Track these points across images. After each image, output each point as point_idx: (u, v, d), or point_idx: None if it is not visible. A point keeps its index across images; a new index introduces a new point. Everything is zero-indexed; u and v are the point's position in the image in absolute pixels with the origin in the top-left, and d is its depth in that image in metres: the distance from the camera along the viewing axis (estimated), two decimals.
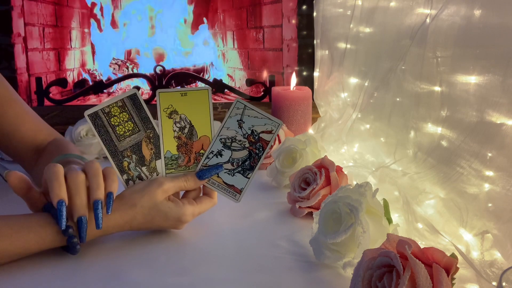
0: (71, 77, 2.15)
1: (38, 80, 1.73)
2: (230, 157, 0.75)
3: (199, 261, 0.67)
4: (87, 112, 0.70)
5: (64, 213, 0.62)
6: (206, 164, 0.75)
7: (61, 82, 1.85)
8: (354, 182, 0.91)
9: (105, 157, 0.74)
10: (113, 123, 0.72)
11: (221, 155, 0.75)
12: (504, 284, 0.40)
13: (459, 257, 0.55)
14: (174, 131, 0.74)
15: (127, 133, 0.72)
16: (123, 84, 2.16)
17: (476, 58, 0.65)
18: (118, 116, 0.72)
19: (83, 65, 2.29)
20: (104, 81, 1.96)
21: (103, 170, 0.68)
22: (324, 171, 0.83)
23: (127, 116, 0.72)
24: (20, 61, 1.72)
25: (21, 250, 0.63)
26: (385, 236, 0.55)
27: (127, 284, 0.61)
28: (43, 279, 0.62)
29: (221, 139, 0.75)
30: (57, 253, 0.67)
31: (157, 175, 0.74)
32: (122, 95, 0.72)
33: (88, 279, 0.62)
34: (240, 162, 0.75)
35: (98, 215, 0.64)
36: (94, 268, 0.65)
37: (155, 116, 0.74)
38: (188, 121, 0.74)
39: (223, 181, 0.75)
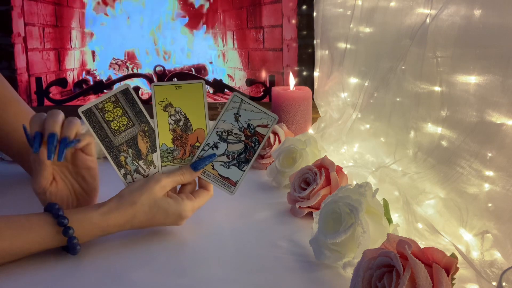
0: (71, 77, 2.15)
1: (38, 80, 1.73)
2: (225, 149, 0.75)
3: (199, 261, 0.67)
4: (81, 109, 0.71)
5: (39, 139, 0.68)
6: (201, 156, 0.75)
7: (61, 82, 1.85)
8: (354, 182, 0.91)
9: (105, 157, 0.74)
10: (107, 118, 0.72)
11: (217, 148, 0.75)
12: (504, 284, 0.40)
13: (459, 257, 0.55)
14: (170, 124, 0.75)
15: (122, 128, 0.73)
16: (123, 84, 2.16)
17: (476, 58, 0.65)
18: (112, 111, 0.72)
19: (82, 65, 2.29)
20: (104, 81, 1.96)
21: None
22: (324, 171, 0.83)
23: (120, 111, 0.73)
24: (20, 61, 1.72)
25: (21, 250, 0.63)
26: (385, 236, 0.55)
27: (127, 284, 0.61)
28: (43, 279, 0.62)
29: (217, 131, 0.75)
30: (57, 253, 0.67)
31: (154, 168, 0.74)
32: (114, 90, 0.73)
33: (88, 279, 0.62)
34: (236, 155, 0.75)
35: (62, 148, 0.68)
36: (94, 268, 0.65)
37: (149, 111, 0.74)
38: (183, 114, 0.75)
39: (218, 174, 0.75)
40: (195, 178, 0.76)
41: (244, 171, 0.75)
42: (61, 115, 0.71)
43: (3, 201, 0.89)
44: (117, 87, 2.12)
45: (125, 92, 0.73)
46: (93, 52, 2.38)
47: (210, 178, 0.76)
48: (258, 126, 0.75)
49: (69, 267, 0.64)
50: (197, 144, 0.76)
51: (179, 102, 0.75)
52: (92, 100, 0.72)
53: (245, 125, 0.75)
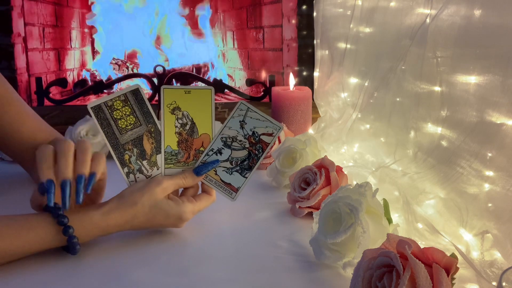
0: (71, 77, 2.16)
1: (38, 80, 1.73)
2: (229, 156, 0.76)
3: (199, 261, 0.67)
4: (90, 105, 0.72)
5: (53, 190, 0.64)
6: (205, 161, 0.76)
7: (61, 82, 1.85)
8: (354, 182, 0.91)
9: (110, 153, 0.74)
10: (115, 116, 0.73)
11: (220, 153, 0.76)
12: (504, 284, 0.40)
13: (459, 257, 0.55)
14: (176, 126, 0.75)
15: (129, 127, 0.73)
16: (123, 84, 2.16)
17: (476, 58, 0.65)
18: (120, 110, 0.73)
19: (83, 65, 2.29)
20: (104, 81, 1.96)
21: (93, 153, 0.69)
22: (324, 171, 0.83)
23: (129, 110, 0.73)
24: (20, 61, 1.72)
25: (21, 250, 0.63)
26: (385, 236, 0.55)
27: (127, 284, 0.61)
28: (43, 279, 0.62)
29: (222, 137, 0.76)
30: (57, 253, 0.67)
31: (157, 169, 0.74)
32: (125, 89, 0.74)
33: (88, 279, 0.62)
34: (239, 162, 0.76)
35: (79, 190, 0.65)
36: (94, 268, 0.65)
37: (156, 112, 0.75)
38: (190, 118, 0.75)
39: (220, 179, 0.76)
40: (197, 182, 0.76)
41: (246, 178, 0.76)
42: (71, 150, 0.66)
43: (3, 201, 0.89)
44: (116, 87, 2.12)
45: (135, 92, 0.74)
46: (94, 52, 2.38)
47: (212, 183, 0.76)
48: (263, 134, 0.76)
49: (69, 267, 0.65)
50: (201, 149, 0.76)
51: (187, 106, 0.75)
52: (102, 97, 0.73)
53: (250, 133, 0.76)
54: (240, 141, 0.76)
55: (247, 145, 0.76)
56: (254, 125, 0.76)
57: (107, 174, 0.73)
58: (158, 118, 0.75)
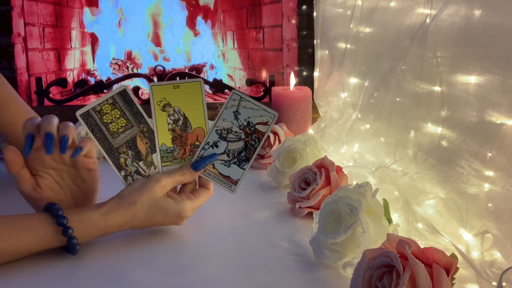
0: (71, 77, 2.16)
1: (38, 80, 1.73)
2: (226, 148, 0.75)
3: (199, 261, 0.67)
4: (78, 112, 0.71)
5: (30, 142, 0.67)
6: (201, 155, 0.75)
7: (61, 82, 1.85)
8: (354, 182, 0.91)
9: (105, 158, 0.74)
10: (105, 121, 0.72)
11: (217, 146, 0.75)
12: (504, 284, 0.40)
13: (459, 257, 0.55)
14: (168, 123, 0.74)
15: (121, 130, 0.72)
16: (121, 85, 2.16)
17: (476, 58, 0.65)
18: (110, 113, 0.72)
19: (82, 65, 2.29)
20: (104, 81, 1.96)
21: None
22: (324, 171, 0.83)
23: (119, 112, 0.72)
24: (20, 61, 1.72)
25: (21, 250, 0.63)
26: (385, 236, 0.55)
27: (127, 284, 0.61)
28: (43, 279, 0.62)
29: (217, 130, 0.75)
30: (57, 253, 0.67)
31: (154, 168, 0.74)
32: (111, 92, 0.73)
33: (88, 279, 0.62)
34: (236, 153, 0.75)
35: (64, 143, 0.68)
36: (94, 268, 0.65)
37: (147, 111, 0.74)
38: (181, 113, 0.74)
39: (219, 172, 0.75)
40: (196, 177, 0.76)
41: (244, 169, 0.75)
42: (56, 119, 0.70)
43: (3, 201, 0.89)
44: (115, 87, 2.12)
45: (123, 93, 0.73)
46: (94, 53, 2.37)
47: (211, 177, 0.76)
48: (258, 123, 0.75)
49: (69, 267, 0.64)
50: (197, 143, 0.75)
51: (178, 102, 0.74)
52: (90, 103, 0.72)
53: (245, 123, 0.75)
54: (236, 132, 0.75)
55: (243, 136, 0.75)
56: (249, 115, 0.75)
57: (97, 165, 0.74)
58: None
